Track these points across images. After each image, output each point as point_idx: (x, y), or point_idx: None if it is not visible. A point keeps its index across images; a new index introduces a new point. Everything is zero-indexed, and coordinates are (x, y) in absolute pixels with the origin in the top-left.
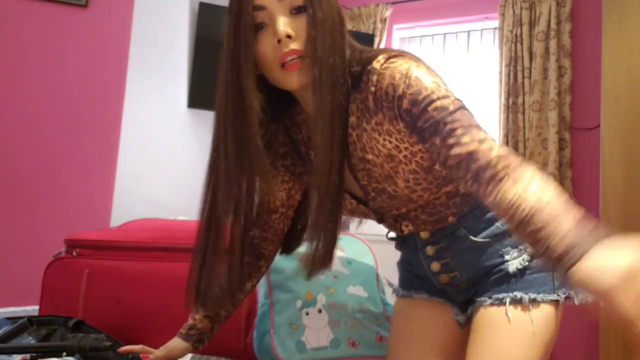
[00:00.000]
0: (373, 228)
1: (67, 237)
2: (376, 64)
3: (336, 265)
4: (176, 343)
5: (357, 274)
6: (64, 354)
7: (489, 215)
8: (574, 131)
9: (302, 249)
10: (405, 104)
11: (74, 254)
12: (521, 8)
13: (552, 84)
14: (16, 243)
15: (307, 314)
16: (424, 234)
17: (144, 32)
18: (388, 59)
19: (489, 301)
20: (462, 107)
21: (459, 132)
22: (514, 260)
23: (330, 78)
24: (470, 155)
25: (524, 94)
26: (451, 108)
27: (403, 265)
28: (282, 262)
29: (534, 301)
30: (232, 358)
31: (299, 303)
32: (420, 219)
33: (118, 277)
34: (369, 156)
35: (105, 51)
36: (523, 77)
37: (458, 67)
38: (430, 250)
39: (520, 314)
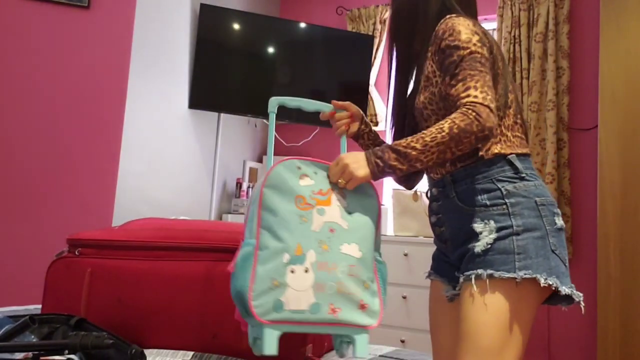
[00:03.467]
0: None
1: (70, 236)
2: (444, 19)
3: (335, 215)
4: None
5: (355, 229)
6: (66, 352)
7: (478, 187)
8: (572, 131)
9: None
10: (442, 44)
11: (76, 253)
12: (519, 9)
13: (550, 84)
14: (19, 242)
15: (292, 271)
16: (433, 175)
17: (145, 33)
18: (452, 17)
19: (462, 278)
20: (476, 60)
21: (460, 77)
22: (480, 242)
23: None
24: (457, 95)
25: (522, 95)
26: (467, 57)
27: (434, 242)
28: (280, 204)
29: (491, 277)
30: (236, 357)
31: (286, 257)
32: None
33: (120, 276)
34: (422, 76)
35: (107, 52)
36: (521, 78)
37: None
38: (435, 205)
39: (481, 289)
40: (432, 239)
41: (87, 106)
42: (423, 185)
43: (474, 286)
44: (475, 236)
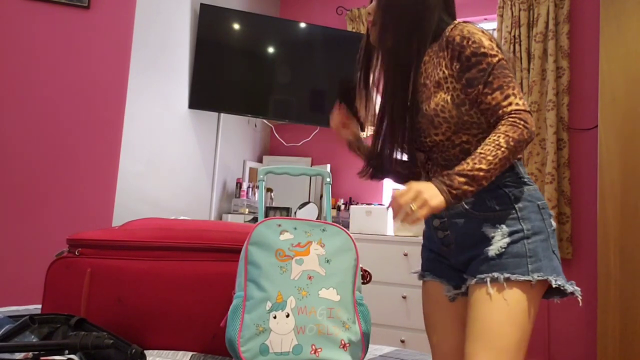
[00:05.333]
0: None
1: (69, 236)
2: (452, 24)
3: (313, 264)
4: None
5: (333, 275)
6: (66, 352)
7: (485, 193)
8: (572, 131)
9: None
10: (467, 52)
11: (76, 253)
12: (519, 9)
13: (550, 84)
14: (19, 243)
15: (274, 317)
16: None
17: (145, 33)
18: (460, 23)
19: (474, 280)
20: (504, 67)
21: (495, 85)
22: (493, 246)
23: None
24: (497, 105)
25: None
26: (497, 65)
27: (424, 245)
28: (262, 258)
29: (508, 280)
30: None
31: (268, 305)
32: (439, 163)
33: (120, 276)
34: (427, 81)
35: (107, 52)
36: (521, 78)
37: None
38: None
39: (498, 292)
40: None
41: (87, 106)
42: None
43: (489, 287)
44: (486, 240)
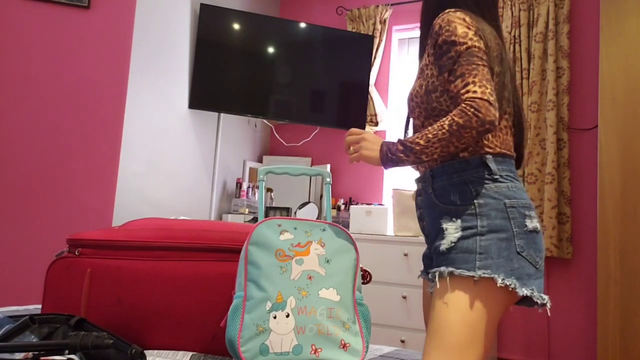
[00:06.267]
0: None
1: (69, 236)
2: (442, 13)
3: (313, 264)
4: None
5: (333, 275)
6: (66, 352)
7: (452, 185)
8: (572, 131)
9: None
10: (440, 40)
11: (76, 253)
12: (519, 9)
13: (550, 84)
14: (19, 243)
15: (274, 317)
16: (420, 169)
17: (145, 33)
18: (449, 12)
19: (429, 275)
20: (473, 54)
21: (458, 72)
22: (445, 240)
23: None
24: (457, 92)
25: (522, 95)
26: (464, 53)
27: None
28: (262, 258)
29: (451, 274)
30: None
31: (268, 305)
32: None
33: (120, 276)
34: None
35: (107, 52)
36: (521, 78)
37: None
38: (418, 200)
39: (443, 287)
40: None
41: (87, 106)
42: None
43: (437, 283)
44: (442, 233)
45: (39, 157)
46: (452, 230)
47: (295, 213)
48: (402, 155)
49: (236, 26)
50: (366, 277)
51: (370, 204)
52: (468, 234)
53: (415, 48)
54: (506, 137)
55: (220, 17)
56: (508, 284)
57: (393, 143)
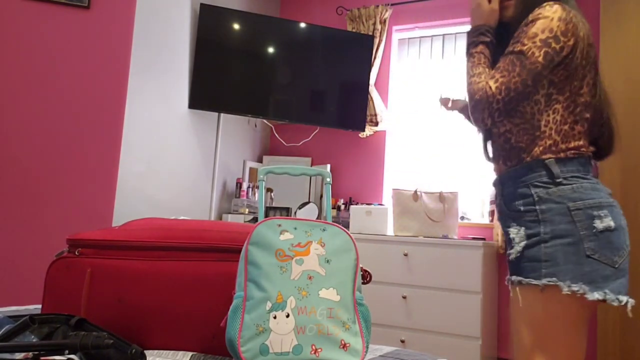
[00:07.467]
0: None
1: (70, 236)
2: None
3: (313, 264)
4: None
5: (333, 275)
6: (66, 352)
7: (517, 191)
8: None
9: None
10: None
11: (76, 253)
12: None
13: None
14: (19, 243)
15: (274, 317)
16: (495, 170)
17: (145, 33)
18: (547, 4)
19: (506, 281)
20: (523, 55)
21: (499, 63)
22: (513, 250)
23: None
24: (486, 84)
25: None
26: (515, 52)
27: None
28: (262, 258)
29: (519, 283)
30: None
31: (268, 305)
32: (493, 148)
33: (120, 276)
34: None
35: (107, 52)
36: None
37: (457, 68)
38: (496, 205)
39: (515, 293)
40: (432, 238)
41: (87, 106)
42: (423, 185)
43: (511, 292)
44: (510, 241)
45: (39, 157)
46: (517, 240)
47: (295, 213)
48: (470, 45)
49: (236, 26)
50: (366, 277)
51: (370, 204)
52: (532, 242)
53: (415, 47)
54: (573, 131)
55: (220, 17)
56: (575, 290)
57: (476, 36)
